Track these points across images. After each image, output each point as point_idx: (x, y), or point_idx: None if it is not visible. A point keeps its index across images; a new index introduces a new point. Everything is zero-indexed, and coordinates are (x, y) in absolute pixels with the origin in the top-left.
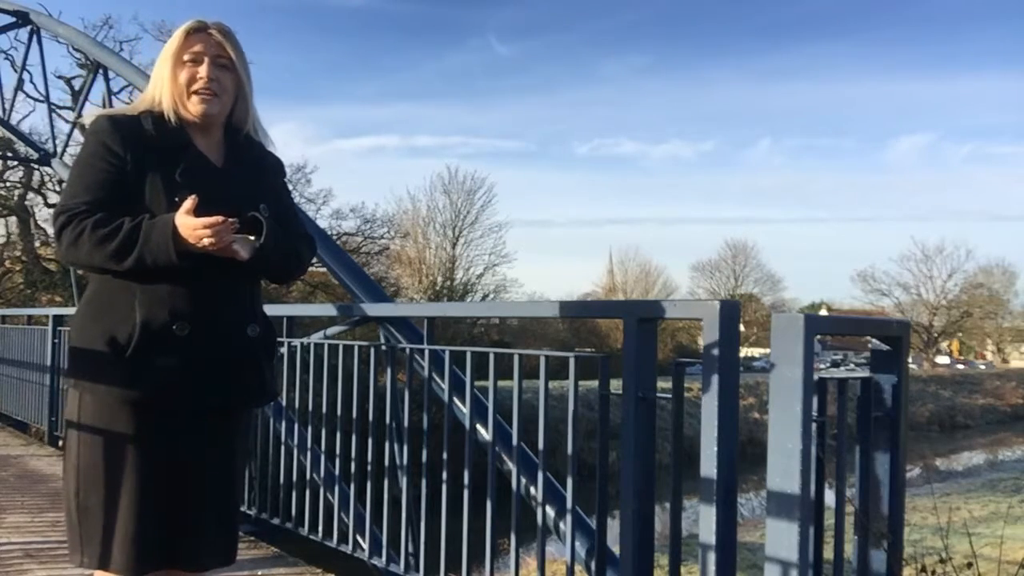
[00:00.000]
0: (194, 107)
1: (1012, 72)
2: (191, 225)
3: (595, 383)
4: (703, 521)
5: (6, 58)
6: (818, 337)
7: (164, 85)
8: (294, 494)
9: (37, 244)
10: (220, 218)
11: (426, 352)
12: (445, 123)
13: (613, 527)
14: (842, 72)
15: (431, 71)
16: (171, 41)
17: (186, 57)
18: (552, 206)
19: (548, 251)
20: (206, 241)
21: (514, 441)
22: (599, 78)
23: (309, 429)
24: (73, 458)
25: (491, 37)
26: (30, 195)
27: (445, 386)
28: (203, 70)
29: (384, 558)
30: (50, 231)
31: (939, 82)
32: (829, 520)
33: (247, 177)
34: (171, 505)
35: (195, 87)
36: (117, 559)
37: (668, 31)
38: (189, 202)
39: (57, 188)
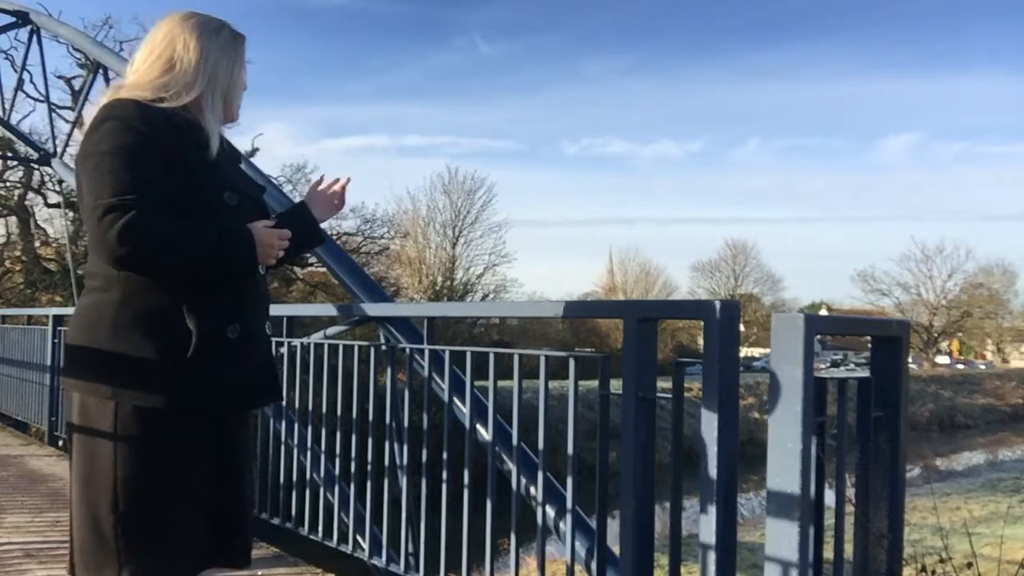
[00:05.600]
0: (238, 111)
1: (1000, 71)
2: (270, 242)
3: (595, 383)
4: (703, 521)
5: (6, 58)
6: (818, 337)
7: (234, 84)
8: (294, 494)
9: (37, 244)
10: (288, 231)
11: (426, 352)
12: (434, 123)
13: (613, 527)
14: (829, 71)
15: (417, 71)
16: (231, 42)
17: (241, 63)
18: (545, 206)
19: (547, 251)
20: (281, 254)
21: (514, 441)
22: (585, 78)
23: (309, 429)
24: (109, 470)
25: (476, 37)
26: (30, 195)
27: (445, 386)
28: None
29: (384, 558)
30: (50, 231)
31: (927, 81)
32: (829, 520)
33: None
34: (222, 507)
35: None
36: (173, 566)
37: (652, 30)
38: (272, 224)
39: (57, 188)
